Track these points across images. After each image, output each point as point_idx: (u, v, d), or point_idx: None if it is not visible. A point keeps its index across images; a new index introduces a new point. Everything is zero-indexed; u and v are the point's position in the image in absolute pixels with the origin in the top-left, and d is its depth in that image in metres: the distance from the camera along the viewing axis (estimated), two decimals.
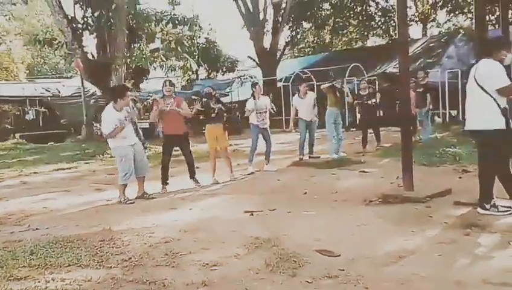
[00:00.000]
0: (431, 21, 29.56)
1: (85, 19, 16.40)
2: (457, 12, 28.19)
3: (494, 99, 4.61)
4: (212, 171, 8.04)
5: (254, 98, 8.75)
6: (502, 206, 4.75)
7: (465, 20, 27.81)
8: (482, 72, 4.70)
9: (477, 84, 4.71)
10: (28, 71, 36.35)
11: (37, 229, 5.22)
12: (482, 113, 4.75)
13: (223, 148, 8.14)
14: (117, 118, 6.56)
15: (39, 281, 3.46)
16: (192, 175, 7.74)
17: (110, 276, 3.52)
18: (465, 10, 26.80)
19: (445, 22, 29.57)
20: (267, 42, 25.21)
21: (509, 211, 4.70)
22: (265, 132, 8.84)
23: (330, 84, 10.04)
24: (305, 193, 6.55)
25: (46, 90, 25.49)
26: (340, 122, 9.99)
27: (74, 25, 15.85)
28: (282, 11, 24.71)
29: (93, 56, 16.31)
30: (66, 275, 3.57)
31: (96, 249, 4.22)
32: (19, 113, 23.98)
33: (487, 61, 4.73)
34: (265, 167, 8.92)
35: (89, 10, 16.28)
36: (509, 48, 4.84)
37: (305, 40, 32.54)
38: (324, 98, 10.32)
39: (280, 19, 24.87)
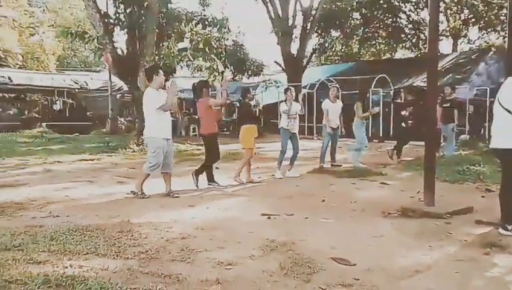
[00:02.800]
0: (462, 37, 29.10)
1: (117, 15, 16.61)
2: (489, 30, 27.73)
3: None
4: (248, 171, 8.16)
5: (286, 103, 8.77)
6: None
7: (497, 38, 27.31)
8: (506, 92, 4.69)
9: (500, 104, 4.71)
10: (58, 62, 37.04)
11: (57, 216, 5.34)
12: (505, 132, 4.73)
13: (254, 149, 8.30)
14: (158, 97, 6.61)
15: (57, 266, 3.52)
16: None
17: (126, 267, 3.57)
18: (498, 28, 26.35)
19: (477, 39, 29.07)
20: (294, 48, 25.15)
21: None
22: (294, 136, 8.83)
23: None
24: (324, 200, 6.53)
25: (75, 82, 26.02)
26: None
27: (106, 20, 16.06)
28: (311, 18, 24.64)
29: (122, 52, 16.51)
30: (83, 263, 3.63)
31: (114, 239, 4.29)
32: (46, 103, 24.53)
33: None
34: (288, 172, 8.89)
35: (122, 6, 16.50)
36: None
37: (333, 49, 32.36)
38: (351, 108, 10.26)
39: (309, 26, 24.80)
